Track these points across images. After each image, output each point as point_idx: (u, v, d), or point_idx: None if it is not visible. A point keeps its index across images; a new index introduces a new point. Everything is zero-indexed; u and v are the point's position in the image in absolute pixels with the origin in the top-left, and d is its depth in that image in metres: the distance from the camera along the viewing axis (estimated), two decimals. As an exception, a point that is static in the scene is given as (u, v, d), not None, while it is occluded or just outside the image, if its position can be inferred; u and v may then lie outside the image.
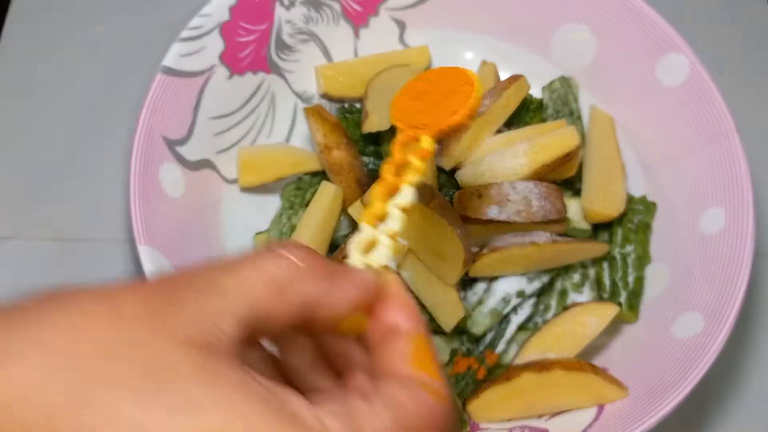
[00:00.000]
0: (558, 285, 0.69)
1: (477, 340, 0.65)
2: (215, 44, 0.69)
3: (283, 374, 0.34)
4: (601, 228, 0.71)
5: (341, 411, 0.28)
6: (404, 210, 0.40)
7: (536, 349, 0.64)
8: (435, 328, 0.64)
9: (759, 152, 0.74)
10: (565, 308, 0.66)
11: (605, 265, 0.69)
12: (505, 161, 0.64)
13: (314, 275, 0.31)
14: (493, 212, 0.63)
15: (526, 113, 0.75)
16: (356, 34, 0.76)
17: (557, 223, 0.67)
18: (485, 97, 0.69)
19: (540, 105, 0.75)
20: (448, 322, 0.62)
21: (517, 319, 0.65)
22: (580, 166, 0.71)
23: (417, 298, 0.63)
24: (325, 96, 0.75)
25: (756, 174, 0.67)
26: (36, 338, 0.27)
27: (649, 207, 0.70)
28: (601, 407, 0.61)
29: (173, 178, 0.64)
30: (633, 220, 0.69)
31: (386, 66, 0.73)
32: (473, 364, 0.64)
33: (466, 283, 0.66)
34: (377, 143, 0.70)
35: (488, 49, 0.77)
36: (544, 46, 0.76)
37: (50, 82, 0.78)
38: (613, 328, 0.66)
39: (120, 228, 0.72)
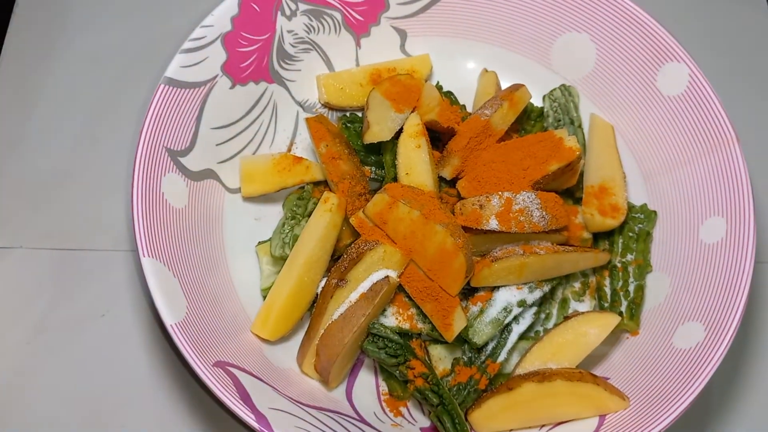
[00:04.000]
0: (559, 294, 0.70)
1: (479, 349, 0.65)
2: (217, 54, 0.69)
3: None
4: (601, 237, 0.71)
5: None
6: None
7: (537, 358, 0.64)
8: (437, 338, 0.64)
9: (760, 162, 0.75)
10: (567, 317, 0.66)
11: (606, 273, 0.70)
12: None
13: None
14: (494, 223, 0.63)
15: (527, 122, 0.75)
16: (357, 43, 0.76)
17: (558, 233, 0.67)
18: (485, 107, 0.69)
19: (541, 113, 0.75)
20: (450, 332, 0.62)
21: (518, 329, 0.66)
22: (581, 175, 0.71)
23: (419, 308, 0.64)
24: (326, 105, 0.75)
25: (757, 183, 0.67)
26: None
27: (650, 216, 0.70)
28: (602, 417, 0.61)
29: (176, 189, 0.65)
30: (633, 229, 0.70)
31: (388, 75, 0.73)
32: (475, 374, 0.64)
33: (468, 292, 0.66)
34: (378, 153, 0.71)
35: (489, 58, 0.77)
36: (544, 54, 0.76)
37: (52, 92, 0.78)
38: (614, 338, 0.66)
39: (122, 238, 0.72)
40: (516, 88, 0.71)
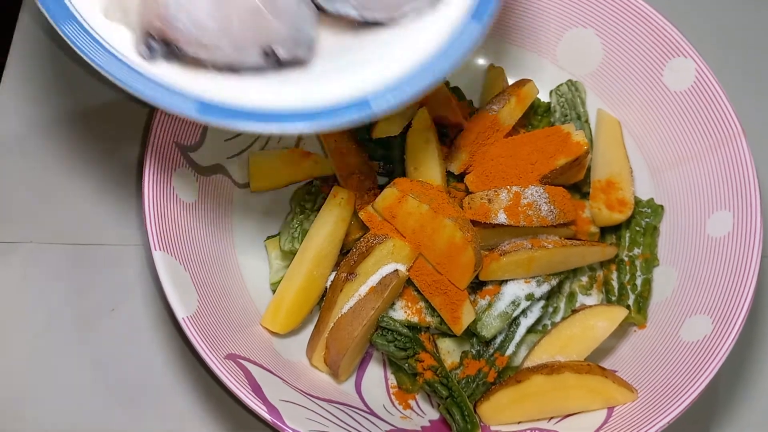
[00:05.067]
0: (567, 288, 0.70)
1: (487, 342, 0.65)
2: (226, 50, 0.69)
3: None
4: (608, 231, 0.71)
5: None
6: None
7: (546, 351, 0.65)
8: (445, 331, 0.65)
9: (766, 155, 0.75)
10: (574, 311, 0.67)
11: (613, 267, 0.70)
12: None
13: None
14: (502, 217, 0.63)
15: (534, 117, 0.76)
16: (365, 39, 0.77)
17: (566, 227, 0.67)
18: (493, 103, 0.69)
19: (548, 109, 0.76)
20: (459, 326, 0.63)
21: (526, 322, 0.66)
22: (588, 170, 0.71)
23: (427, 302, 0.64)
24: (334, 101, 0.76)
25: (763, 177, 0.68)
26: None
27: (657, 210, 0.70)
28: (610, 409, 0.61)
29: (186, 184, 0.65)
30: (641, 223, 0.70)
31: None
32: (483, 366, 0.64)
33: (476, 286, 0.66)
34: (387, 148, 0.71)
35: (496, 54, 0.78)
36: (551, 50, 0.76)
37: (61, 87, 0.79)
38: (621, 331, 0.67)
39: (132, 233, 0.72)
40: (523, 83, 0.71)
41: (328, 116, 0.51)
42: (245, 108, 0.51)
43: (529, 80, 0.72)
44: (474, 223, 0.64)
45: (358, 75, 0.53)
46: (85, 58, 0.51)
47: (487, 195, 0.64)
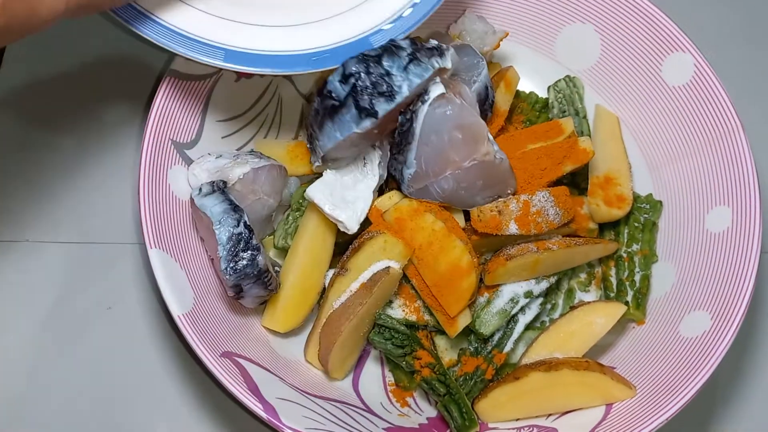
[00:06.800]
0: (565, 284, 0.70)
1: (485, 339, 0.65)
2: (222, 47, 0.69)
3: None
4: (607, 227, 0.71)
5: None
6: None
7: (544, 348, 0.64)
8: (442, 330, 0.64)
9: (765, 151, 0.75)
10: (573, 307, 0.67)
11: (612, 263, 0.70)
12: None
13: None
14: (513, 228, 0.63)
15: (532, 112, 0.75)
16: (362, 35, 0.76)
17: (566, 225, 0.67)
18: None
19: (546, 104, 0.75)
20: (454, 328, 0.63)
21: (524, 319, 0.66)
22: (586, 166, 0.71)
23: (423, 302, 0.64)
24: (331, 97, 0.75)
25: (762, 172, 0.67)
26: None
27: (656, 206, 0.70)
28: (609, 406, 0.61)
29: (182, 181, 0.65)
30: (639, 219, 0.70)
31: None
32: (481, 364, 0.64)
33: (474, 283, 0.66)
34: (384, 145, 0.71)
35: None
36: (549, 45, 0.76)
37: (58, 86, 0.78)
38: (620, 327, 0.66)
39: (129, 231, 0.72)
40: (505, 69, 0.72)
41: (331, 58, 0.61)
42: (262, 53, 0.61)
43: (510, 66, 0.72)
44: (485, 235, 0.64)
45: (356, 18, 0.64)
46: (124, 24, 0.59)
47: (497, 206, 0.63)
